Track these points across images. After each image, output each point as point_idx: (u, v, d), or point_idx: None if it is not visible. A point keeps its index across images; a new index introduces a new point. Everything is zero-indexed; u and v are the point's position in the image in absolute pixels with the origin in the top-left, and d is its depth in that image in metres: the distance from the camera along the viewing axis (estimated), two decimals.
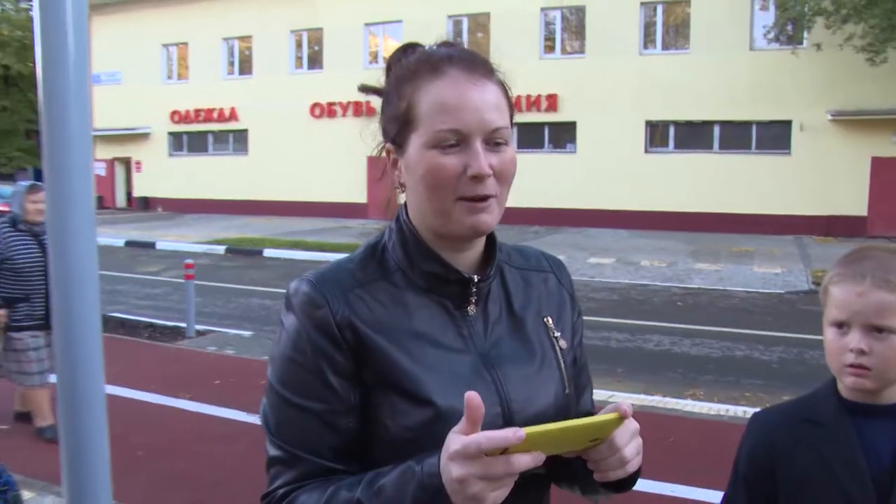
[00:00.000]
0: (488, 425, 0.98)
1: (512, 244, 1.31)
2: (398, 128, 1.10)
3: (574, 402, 1.22)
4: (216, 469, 4.62)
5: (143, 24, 28.14)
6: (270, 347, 1.13)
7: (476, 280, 1.14)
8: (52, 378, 5.05)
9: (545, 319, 1.22)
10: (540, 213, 22.13)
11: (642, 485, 4.03)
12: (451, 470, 0.88)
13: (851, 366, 1.35)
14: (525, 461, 0.86)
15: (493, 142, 1.07)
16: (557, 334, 1.22)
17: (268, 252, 16.62)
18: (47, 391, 5.06)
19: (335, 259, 1.17)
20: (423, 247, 1.12)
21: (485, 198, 1.06)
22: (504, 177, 1.09)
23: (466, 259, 1.15)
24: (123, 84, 28.97)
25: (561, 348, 1.21)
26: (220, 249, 17.22)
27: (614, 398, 6.14)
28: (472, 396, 0.87)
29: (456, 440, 0.88)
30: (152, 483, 4.44)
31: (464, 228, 1.07)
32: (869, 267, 1.35)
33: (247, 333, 8.72)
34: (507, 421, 1.09)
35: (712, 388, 6.68)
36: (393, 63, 1.16)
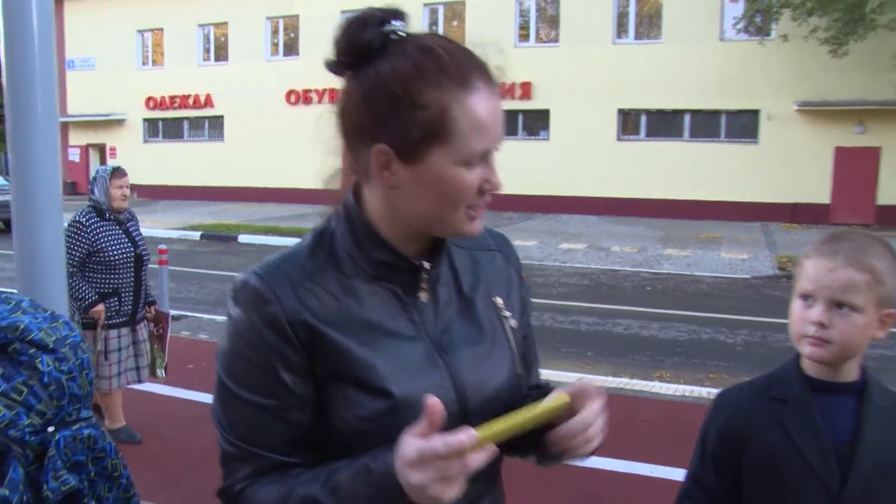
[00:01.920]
0: (445, 412, 1.00)
1: None
2: (420, 135, 1.01)
3: (525, 381, 1.23)
4: (190, 451, 4.58)
5: (117, 10, 27.83)
6: (219, 341, 1.11)
7: (427, 267, 1.12)
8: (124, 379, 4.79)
9: (494, 300, 1.21)
10: (513, 199, 22.19)
11: (611, 464, 4.16)
12: (409, 476, 0.88)
13: (810, 336, 1.40)
14: (479, 459, 0.88)
15: None
16: (507, 314, 1.21)
17: (243, 238, 16.61)
18: (120, 393, 4.85)
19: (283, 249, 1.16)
20: (374, 235, 1.09)
21: (484, 205, 1.08)
22: None
23: (416, 247, 1.13)
24: (97, 70, 28.68)
25: (511, 328, 1.20)
26: (196, 235, 17.18)
27: (582, 381, 6.32)
28: (433, 402, 0.88)
29: (411, 446, 0.89)
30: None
31: (463, 233, 1.09)
32: (844, 246, 1.40)
33: (220, 318, 8.67)
34: (462, 405, 1.09)
35: (678, 370, 6.81)
36: (376, 43, 1.03)
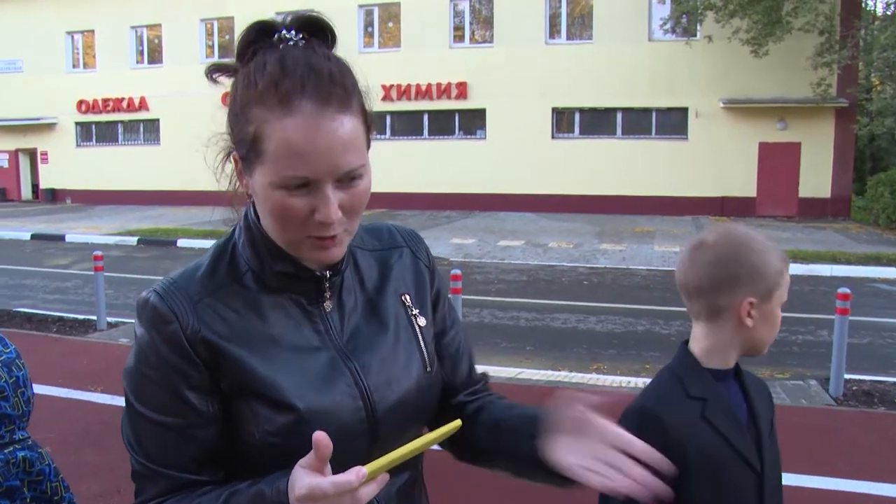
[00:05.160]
0: (352, 420, 1.05)
1: (365, 224, 1.23)
2: (245, 151, 1.00)
3: (440, 379, 1.20)
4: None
5: (44, 11, 27.09)
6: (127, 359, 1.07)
7: (329, 276, 1.10)
8: None
9: (402, 297, 1.19)
10: (451, 198, 22.54)
11: None
12: None
13: None
14: (370, 491, 0.88)
15: (346, 179, 0.99)
16: (415, 311, 1.19)
17: (182, 242, 16.42)
18: None
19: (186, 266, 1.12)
20: (273, 247, 1.06)
21: (333, 235, 1.02)
22: (354, 210, 1.02)
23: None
24: (26, 73, 27.86)
25: (420, 326, 1.18)
26: (133, 240, 16.91)
27: (523, 375, 6.43)
28: (320, 437, 0.86)
29: (302, 481, 0.87)
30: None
31: (312, 260, 1.05)
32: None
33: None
34: (371, 411, 1.08)
35: (615, 361, 6.98)
36: (247, 51, 1.01)
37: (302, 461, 0.89)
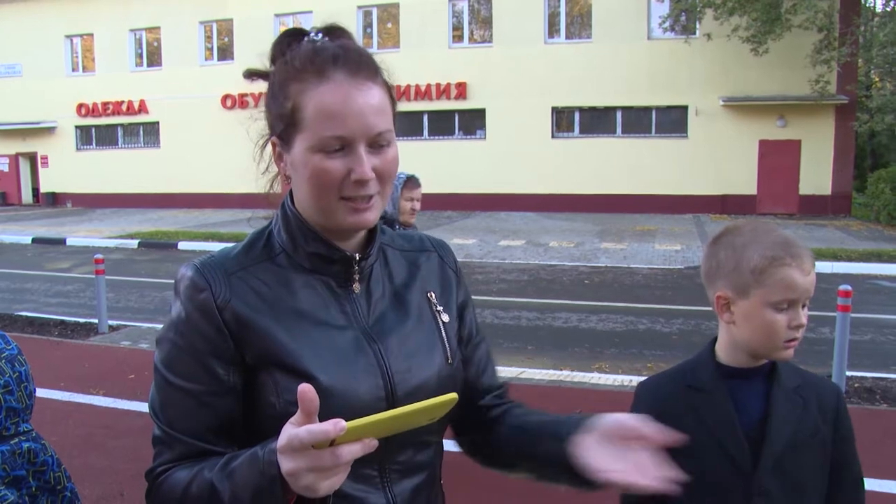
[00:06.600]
0: (371, 398, 1.08)
1: (399, 232, 1.34)
2: (284, 126, 1.09)
3: (460, 373, 1.24)
4: (135, 462, 4.42)
5: (43, 15, 27.12)
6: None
7: (358, 258, 1.16)
8: None
9: (428, 294, 1.25)
10: (452, 198, 22.54)
11: None
12: (282, 463, 0.90)
13: (791, 340, 1.41)
14: (353, 450, 0.87)
15: (377, 144, 1.08)
16: (440, 308, 1.24)
17: (182, 245, 16.42)
18: None
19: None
20: (308, 229, 1.13)
21: (367, 198, 1.08)
22: (385, 176, 1.10)
23: (349, 244, 1.17)
24: (25, 77, 27.90)
25: (443, 321, 1.23)
26: (133, 244, 16.89)
27: (525, 374, 6.39)
28: (305, 389, 0.87)
29: (284, 433, 0.89)
30: None
31: (347, 225, 1.10)
32: (799, 246, 1.42)
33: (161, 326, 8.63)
34: (390, 392, 1.11)
35: (617, 360, 6.96)
36: (278, 52, 1.13)
37: (291, 419, 0.90)
